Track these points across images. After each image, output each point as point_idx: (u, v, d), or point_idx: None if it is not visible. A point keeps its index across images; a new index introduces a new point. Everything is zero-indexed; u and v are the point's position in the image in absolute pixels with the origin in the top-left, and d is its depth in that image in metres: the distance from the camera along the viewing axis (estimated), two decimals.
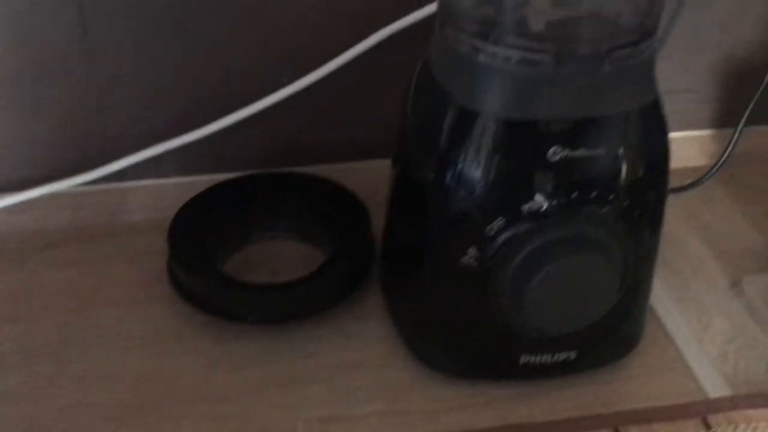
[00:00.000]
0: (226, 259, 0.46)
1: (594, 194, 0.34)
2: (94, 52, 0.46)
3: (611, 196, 0.34)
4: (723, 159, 0.50)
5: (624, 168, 0.34)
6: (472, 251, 0.35)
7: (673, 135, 0.56)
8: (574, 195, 0.34)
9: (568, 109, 0.33)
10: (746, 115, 0.50)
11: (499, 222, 0.34)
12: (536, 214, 0.34)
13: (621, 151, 0.34)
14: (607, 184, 0.34)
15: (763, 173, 0.53)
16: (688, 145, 0.55)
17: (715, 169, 0.50)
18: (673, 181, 0.52)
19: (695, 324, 0.43)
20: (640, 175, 0.35)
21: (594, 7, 0.34)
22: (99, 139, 0.49)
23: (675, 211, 0.50)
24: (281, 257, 0.47)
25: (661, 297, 0.44)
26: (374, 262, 0.45)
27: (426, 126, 0.37)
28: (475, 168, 0.34)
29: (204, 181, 0.49)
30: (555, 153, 0.33)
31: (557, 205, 0.34)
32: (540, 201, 0.34)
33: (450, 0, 0.35)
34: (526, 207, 0.34)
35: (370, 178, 0.45)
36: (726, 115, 0.55)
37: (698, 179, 0.50)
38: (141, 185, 0.51)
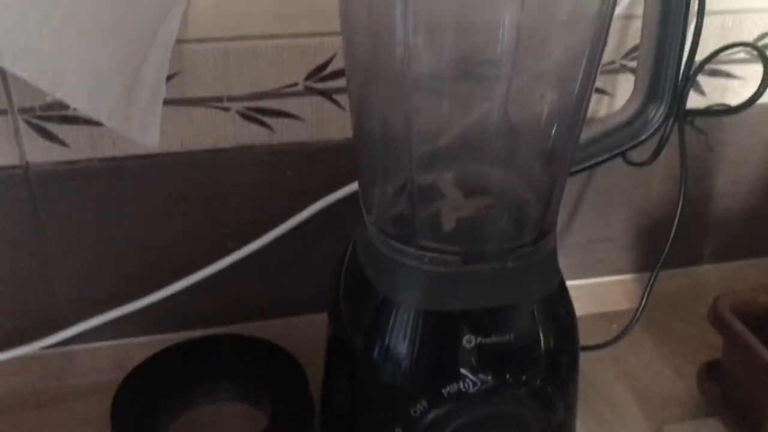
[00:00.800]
0: (169, 426, 0.47)
1: (508, 376, 0.36)
2: (43, 226, 0.48)
3: (524, 377, 0.37)
4: (642, 305, 0.53)
5: (534, 350, 0.37)
6: None
7: (598, 280, 0.61)
8: (490, 377, 0.36)
9: (478, 300, 0.36)
10: (660, 261, 0.54)
11: (422, 404, 0.36)
12: (457, 396, 0.36)
13: (530, 335, 0.37)
14: (520, 366, 0.37)
15: (682, 316, 0.56)
16: (612, 290, 0.59)
17: (636, 317, 0.53)
18: (601, 326, 0.56)
19: None
20: (550, 355, 0.37)
21: (500, 200, 0.37)
22: (46, 307, 0.51)
23: (601, 358, 0.53)
24: (224, 421, 0.48)
25: None
26: (313, 423, 0.47)
27: (355, 300, 0.40)
28: (397, 350, 0.37)
29: (153, 340, 0.51)
30: (469, 341, 0.36)
31: (476, 388, 0.36)
32: (459, 384, 0.36)
33: (367, 199, 0.38)
34: (446, 390, 0.36)
35: (312, 331, 0.47)
36: (645, 260, 0.59)
37: (623, 330, 0.53)
38: (89, 348, 0.52)
